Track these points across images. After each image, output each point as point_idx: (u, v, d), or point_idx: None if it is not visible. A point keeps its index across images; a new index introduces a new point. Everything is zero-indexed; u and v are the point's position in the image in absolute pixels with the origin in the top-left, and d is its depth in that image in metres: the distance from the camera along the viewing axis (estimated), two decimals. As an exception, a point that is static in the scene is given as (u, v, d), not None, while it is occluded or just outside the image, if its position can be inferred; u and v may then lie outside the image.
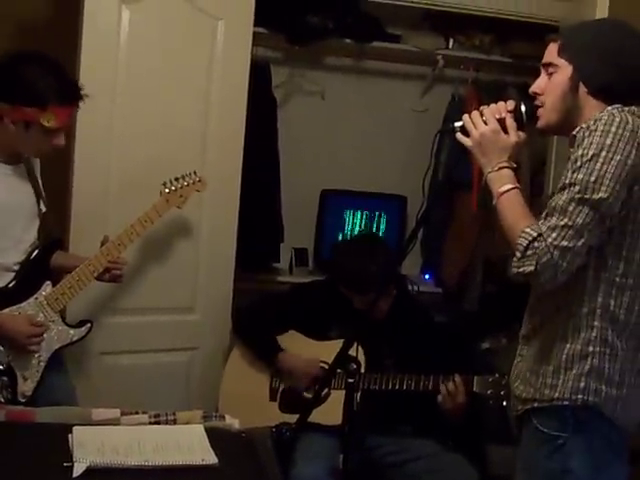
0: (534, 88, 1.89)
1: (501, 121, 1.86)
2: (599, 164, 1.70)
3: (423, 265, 4.05)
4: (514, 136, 1.85)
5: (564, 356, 1.82)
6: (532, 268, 1.71)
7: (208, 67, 3.01)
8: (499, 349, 3.69)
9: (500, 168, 1.83)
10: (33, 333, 2.40)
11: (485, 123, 1.85)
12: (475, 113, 1.87)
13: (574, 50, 1.84)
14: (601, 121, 1.73)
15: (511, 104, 1.88)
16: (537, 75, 1.92)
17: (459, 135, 1.88)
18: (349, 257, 2.84)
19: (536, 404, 1.86)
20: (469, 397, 2.64)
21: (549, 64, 1.87)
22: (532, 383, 1.88)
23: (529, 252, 1.71)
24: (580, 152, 1.73)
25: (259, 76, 3.48)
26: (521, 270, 1.73)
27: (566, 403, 1.81)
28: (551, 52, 1.87)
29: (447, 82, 3.96)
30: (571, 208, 1.71)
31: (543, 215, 1.76)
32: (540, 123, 1.88)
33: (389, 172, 3.97)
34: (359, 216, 3.94)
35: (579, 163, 1.72)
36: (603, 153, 1.70)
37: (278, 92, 3.77)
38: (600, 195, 1.70)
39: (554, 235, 1.71)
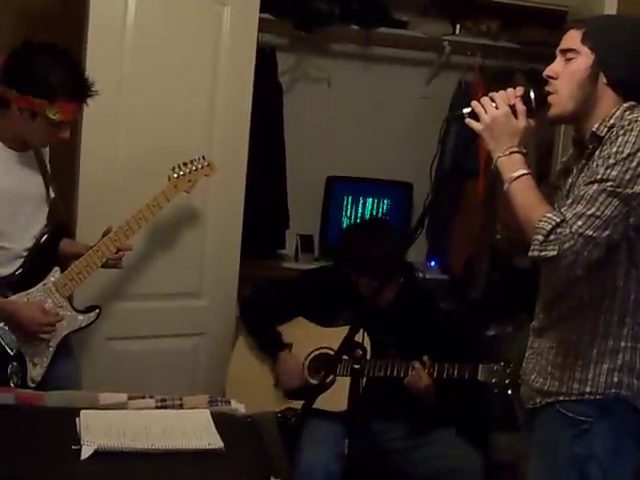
0: (549, 72, 1.86)
1: (511, 107, 1.84)
2: (634, 163, 1.70)
3: (429, 252, 4.05)
4: (524, 121, 1.83)
5: (595, 350, 1.82)
6: (554, 253, 1.70)
7: (214, 54, 3.00)
8: (505, 336, 3.70)
9: (511, 153, 1.82)
10: (47, 322, 2.41)
11: (496, 108, 1.83)
12: (485, 98, 1.85)
13: (599, 39, 1.81)
14: (637, 122, 1.73)
15: (520, 90, 1.86)
16: (546, 60, 1.90)
17: (470, 122, 1.86)
18: (357, 240, 2.84)
19: (562, 397, 1.85)
20: (434, 380, 2.66)
21: (569, 49, 1.84)
22: (556, 376, 1.87)
23: (552, 237, 1.70)
24: (615, 149, 1.72)
25: (265, 62, 3.47)
26: (542, 254, 1.71)
27: (599, 397, 1.82)
28: (572, 38, 1.84)
29: (454, 68, 3.94)
30: (601, 199, 1.70)
31: (567, 203, 1.75)
32: (553, 110, 1.86)
33: (395, 159, 3.96)
34: (365, 203, 3.94)
35: (613, 160, 1.72)
36: (639, 153, 1.71)
37: (284, 79, 3.76)
38: (633, 190, 1.70)
39: (580, 223, 1.70)
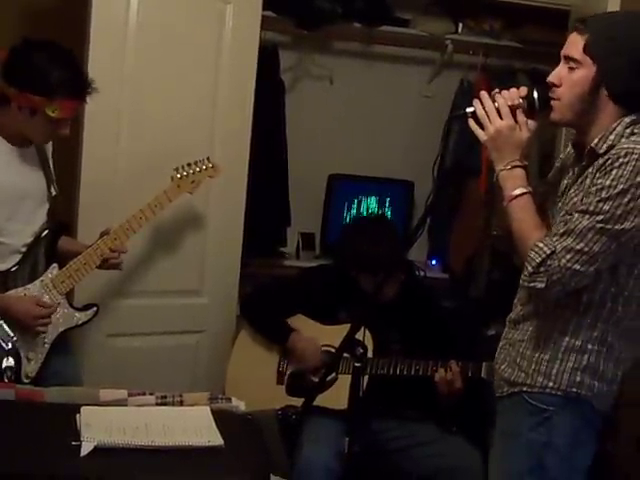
0: (552, 78, 1.85)
1: (512, 110, 1.84)
2: (626, 199, 1.71)
3: (430, 251, 4.05)
4: (526, 132, 1.84)
5: (562, 347, 1.85)
6: (542, 286, 1.75)
7: (217, 51, 3.00)
8: (505, 335, 3.69)
9: (513, 167, 1.83)
10: (40, 314, 2.41)
11: (499, 115, 1.83)
12: (490, 106, 1.84)
13: (601, 50, 1.78)
14: (633, 155, 1.72)
15: (524, 90, 1.85)
16: (548, 60, 1.89)
17: (473, 125, 1.86)
18: (357, 236, 2.84)
19: (525, 388, 1.89)
20: (465, 382, 2.67)
21: (572, 58, 1.81)
22: (523, 368, 1.91)
23: (542, 269, 1.75)
24: (608, 183, 1.72)
25: (267, 60, 3.47)
26: (532, 285, 1.77)
27: (559, 394, 1.86)
28: (575, 45, 1.80)
29: (456, 67, 3.94)
30: (590, 235, 1.73)
31: (560, 233, 1.77)
32: (554, 116, 1.86)
33: (396, 157, 3.96)
34: (366, 201, 3.94)
35: (605, 194, 1.72)
36: (632, 190, 1.71)
37: (286, 76, 3.76)
38: (623, 226, 1.72)
39: (568, 257, 1.73)
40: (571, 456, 1.87)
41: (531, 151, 3.53)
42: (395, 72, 3.94)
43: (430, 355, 2.71)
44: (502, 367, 1.97)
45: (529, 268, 1.77)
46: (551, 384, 1.86)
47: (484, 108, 1.84)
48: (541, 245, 1.76)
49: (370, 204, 3.95)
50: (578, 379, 1.85)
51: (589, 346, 1.84)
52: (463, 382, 2.67)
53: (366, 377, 2.58)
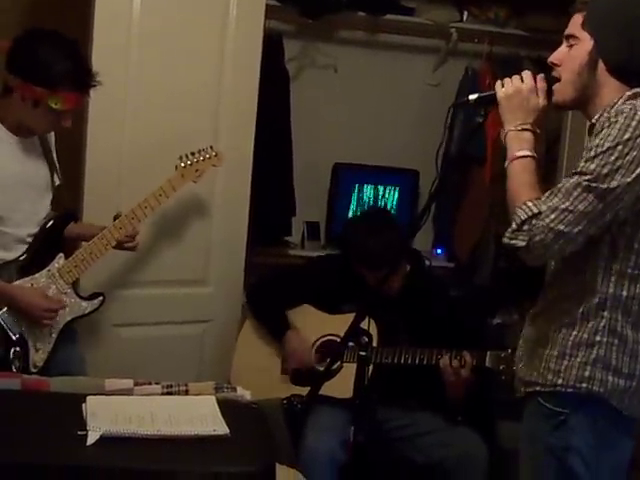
0: (552, 58, 1.85)
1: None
2: (613, 157, 1.67)
3: (435, 240, 4.04)
4: (543, 100, 1.82)
5: (569, 342, 1.79)
6: (523, 244, 1.70)
7: (221, 40, 2.99)
8: (511, 324, 3.69)
9: (523, 129, 1.81)
10: (48, 307, 2.42)
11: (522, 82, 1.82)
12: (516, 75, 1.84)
13: (597, 24, 1.78)
14: (622, 114, 1.68)
15: None
16: (554, 48, 1.89)
17: (497, 84, 1.84)
18: (359, 234, 2.84)
19: (538, 388, 1.83)
20: (473, 373, 2.65)
21: (571, 35, 1.82)
22: (535, 366, 1.85)
23: (525, 227, 1.70)
24: (596, 142, 1.69)
25: (272, 49, 3.46)
26: (512, 242, 1.72)
27: (570, 390, 1.79)
28: (575, 23, 1.82)
29: (461, 56, 3.92)
30: (576, 193, 1.68)
31: (546, 194, 1.73)
32: (556, 98, 1.85)
33: (401, 146, 3.95)
34: (371, 190, 3.94)
35: (593, 153, 1.69)
36: (619, 147, 1.67)
37: (291, 65, 3.75)
38: (607, 185, 1.67)
39: (552, 216, 1.69)
40: (597, 459, 1.79)
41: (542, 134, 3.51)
42: (400, 61, 3.93)
43: (435, 344, 2.71)
44: (519, 366, 1.92)
45: (513, 225, 1.71)
46: (560, 381, 1.79)
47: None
48: (530, 204, 1.71)
49: (375, 193, 3.95)
50: (587, 374, 1.76)
51: (597, 338, 1.76)
52: (472, 371, 2.65)
53: (371, 366, 2.58)
